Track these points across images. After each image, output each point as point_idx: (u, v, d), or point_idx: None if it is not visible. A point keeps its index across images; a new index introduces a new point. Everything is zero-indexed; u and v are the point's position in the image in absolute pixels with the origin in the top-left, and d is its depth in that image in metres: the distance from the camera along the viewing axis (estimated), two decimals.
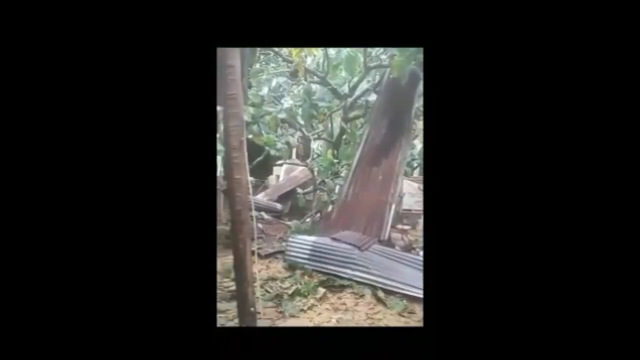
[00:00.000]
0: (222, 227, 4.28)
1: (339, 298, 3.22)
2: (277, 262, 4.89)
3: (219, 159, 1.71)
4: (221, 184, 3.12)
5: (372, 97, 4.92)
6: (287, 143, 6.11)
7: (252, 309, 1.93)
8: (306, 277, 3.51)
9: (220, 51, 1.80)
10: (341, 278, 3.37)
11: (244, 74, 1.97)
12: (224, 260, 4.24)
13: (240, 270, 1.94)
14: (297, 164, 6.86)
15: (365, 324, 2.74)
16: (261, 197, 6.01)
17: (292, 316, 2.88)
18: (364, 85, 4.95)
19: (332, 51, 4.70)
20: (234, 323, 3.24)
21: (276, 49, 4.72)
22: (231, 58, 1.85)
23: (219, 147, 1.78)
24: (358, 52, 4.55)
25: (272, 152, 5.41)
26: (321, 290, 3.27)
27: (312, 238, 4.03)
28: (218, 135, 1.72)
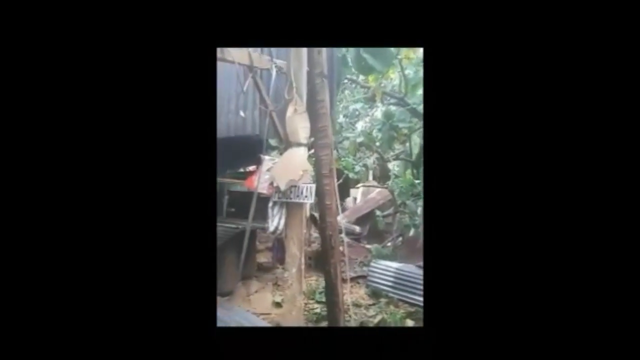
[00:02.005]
0: (305, 248, 4.47)
1: None
2: (359, 287, 4.78)
3: (312, 187, 1.82)
4: (308, 209, 3.29)
5: None
6: (365, 165, 6.11)
7: None
8: (392, 307, 3.31)
9: (310, 87, 1.98)
10: None
11: (333, 106, 2.10)
12: (309, 281, 4.39)
13: (332, 295, 1.96)
14: (375, 186, 6.76)
15: None
16: (339, 220, 6.07)
17: None
18: None
19: (409, 71, 4.64)
20: None
21: (353, 77, 4.92)
22: (321, 93, 2.02)
23: (312, 174, 1.89)
24: None
25: (351, 175, 5.48)
26: (409, 322, 3.02)
27: (396, 264, 3.82)
28: (312, 167, 1.84)
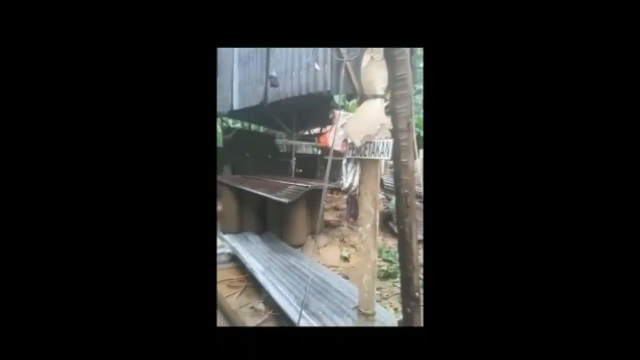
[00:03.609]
0: None
1: None
2: None
3: (389, 142, 1.71)
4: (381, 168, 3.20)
5: None
6: None
7: (416, 293, 1.90)
8: None
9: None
10: None
11: (413, 52, 1.86)
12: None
13: (406, 254, 1.92)
14: None
15: None
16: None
17: None
18: None
19: None
20: (388, 302, 3.36)
21: None
22: None
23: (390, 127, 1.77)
24: None
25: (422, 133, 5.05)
26: None
27: None
28: (390, 121, 1.72)
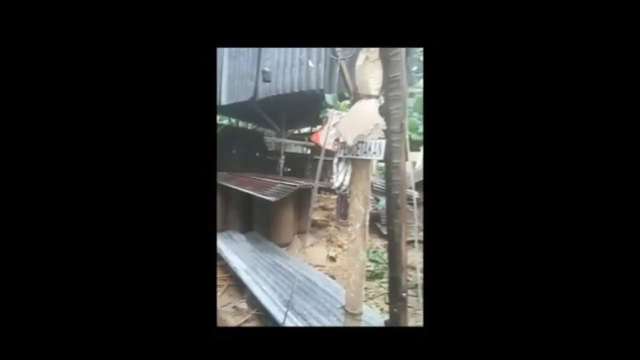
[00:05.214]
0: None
1: None
2: (414, 250, 4.74)
3: (382, 143, 1.71)
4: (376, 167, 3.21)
5: None
6: None
7: (404, 294, 1.91)
8: None
9: None
10: None
11: (409, 53, 1.87)
12: None
13: (395, 255, 1.93)
14: None
15: None
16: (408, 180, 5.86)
17: None
18: None
19: None
20: (374, 302, 3.37)
21: None
22: None
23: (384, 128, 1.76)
24: None
25: (414, 136, 5.10)
26: None
27: None
28: (384, 121, 1.71)
